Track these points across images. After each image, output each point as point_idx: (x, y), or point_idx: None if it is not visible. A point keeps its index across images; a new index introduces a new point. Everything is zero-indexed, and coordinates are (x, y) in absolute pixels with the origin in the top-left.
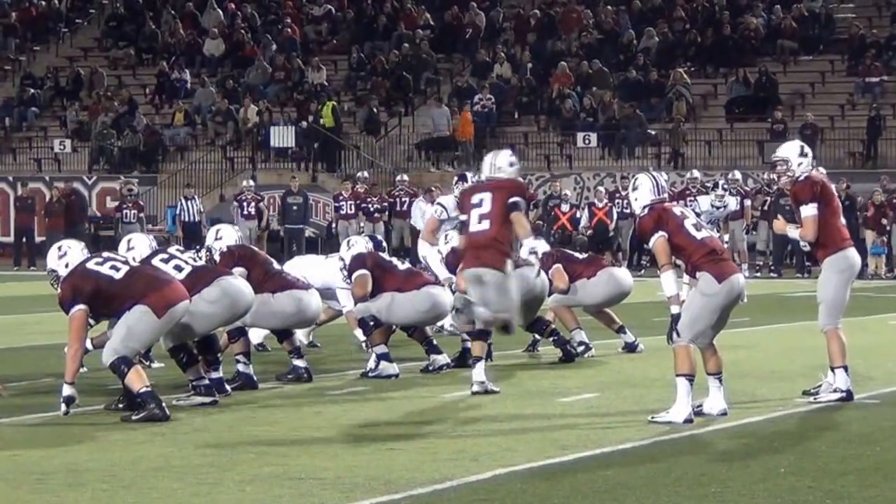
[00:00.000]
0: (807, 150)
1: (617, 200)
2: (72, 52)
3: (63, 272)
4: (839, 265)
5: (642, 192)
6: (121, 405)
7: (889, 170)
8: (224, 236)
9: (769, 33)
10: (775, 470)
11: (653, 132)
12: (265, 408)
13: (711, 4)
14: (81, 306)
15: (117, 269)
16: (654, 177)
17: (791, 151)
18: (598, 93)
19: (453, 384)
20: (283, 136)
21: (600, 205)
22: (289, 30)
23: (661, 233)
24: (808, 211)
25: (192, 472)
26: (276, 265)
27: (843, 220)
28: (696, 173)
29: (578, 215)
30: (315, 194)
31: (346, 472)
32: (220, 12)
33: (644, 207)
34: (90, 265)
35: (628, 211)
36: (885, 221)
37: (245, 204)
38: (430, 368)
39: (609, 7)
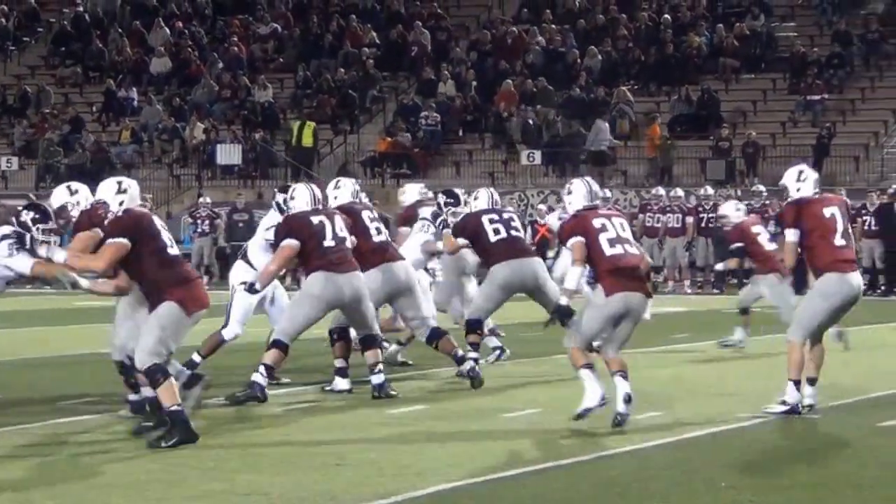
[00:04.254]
0: (806, 174)
1: (561, 216)
2: (19, 69)
3: (117, 209)
4: (821, 286)
5: (576, 196)
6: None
7: (836, 187)
8: None
9: (712, 52)
10: (716, 484)
11: (594, 150)
12: (213, 424)
13: (655, 23)
14: (126, 241)
15: (172, 245)
16: (588, 182)
17: (789, 178)
18: (542, 111)
19: (399, 399)
20: (229, 154)
21: (542, 221)
22: (235, 48)
23: (579, 237)
24: (787, 237)
25: (138, 489)
26: None
27: (841, 242)
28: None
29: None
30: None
31: (292, 488)
32: (167, 31)
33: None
34: (155, 219)
35: None
36: None
37: (200, 221)
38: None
39: (553, 26)
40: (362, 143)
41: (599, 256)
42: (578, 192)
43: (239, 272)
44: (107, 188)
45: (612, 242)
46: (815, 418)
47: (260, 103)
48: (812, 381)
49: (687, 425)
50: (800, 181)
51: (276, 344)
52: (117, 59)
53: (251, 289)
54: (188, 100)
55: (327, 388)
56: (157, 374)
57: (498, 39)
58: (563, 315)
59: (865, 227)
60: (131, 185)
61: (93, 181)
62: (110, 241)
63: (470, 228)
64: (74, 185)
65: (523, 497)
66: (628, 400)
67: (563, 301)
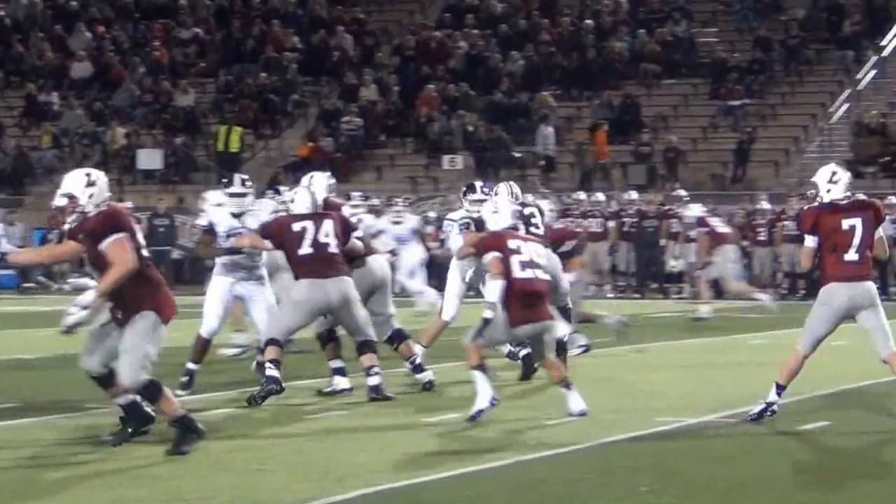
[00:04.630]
0: (839, 176)
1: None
2: None
3: (86, 202)
4: (821, 297)
5: (503, 215)
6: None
7: (756, 192)
8: None
9: (633, 57)
10: (635, 489)
11: (518, 155)
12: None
13: (577, 29)
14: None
15: (144, 246)
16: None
17: (821, 178)
18: (464, 115)
19: (322, 404)
20: (150, 159)
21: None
22: (157, 52)
23: (496, 253)
24: (805, 242)
25: (55, 493)
26: None
27: (849, 256)
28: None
29: (442, 236)
30: (182, 216)
31: (213, 494)
32: (89, 35)
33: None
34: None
35: None
36: (745, 243)
37: None
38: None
39: (475, 31)
40: (284, 147)
41: (509, 277)
42: (505, 212)
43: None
44: (75, 181)
45: (524, 266)
46: (733, 422)
47: (182, 108)
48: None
49: (606, 429)
50: (831, 182)
51: (271, 342)
52: (38, 63)
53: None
54: (109, 104)
55: (326, 390)
56: (152, 389)
57: (420, 44)
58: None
59: (786, 232)
60: (100, 176)
61: (12, 187)
62: (117, 237)
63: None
64: (94, 174)
65: (442, 501)
66: (582, 415)
67: (488, 314)
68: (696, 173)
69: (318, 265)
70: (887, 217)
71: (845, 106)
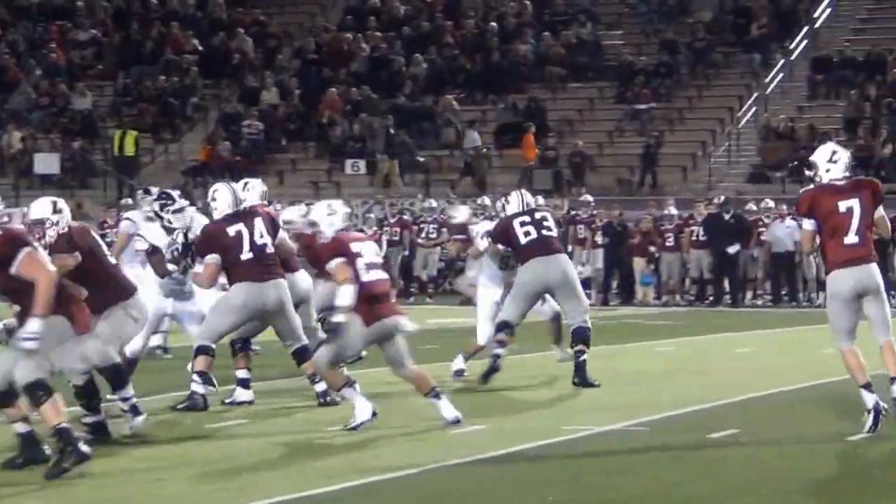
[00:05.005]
0: (839, 155)
1: (386, 228)
2: None
3: (60, 227)
4: (829, 288)
5: (339, 217)
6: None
7: (663, 197)
8: None
9: (538, 60)
10: (544, 498)
11: (421, 159)
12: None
13: (481, 31)
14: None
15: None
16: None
17: (820, 157)
18: (367, 119)
19: (220, 414)
20: (47, 163)
21: (369, 232)
22: (54, 55)
23: (341, 258)
24: (803, 226)
25: None
26: None
27: (849, 239)
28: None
29: None
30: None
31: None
32: None
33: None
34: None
35: (397, 238)
36: (652, 249)
37: None
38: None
39: (378, 34)
40: (184, 152)
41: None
42: (339, 216)
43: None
44: (43, 208)
45: (368, 267)
46: (646, 430)
47: (79, 111)
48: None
49: (513, 438)
50: (831, 161)
51: (202, 350)
52: None
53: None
54: (5, 107)
55: (228, 401)
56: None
57: (322, 47)
58: (332, 332)
59: (694, 238)
60: (64, 204)
61: None
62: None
63: (501, 234)
64: (60, 203)
65: None
66: (456, 421)
67: (339, 318)
68: (602, 178)
69: (257, 268)
70: (791, 219)
71: (753, 110)
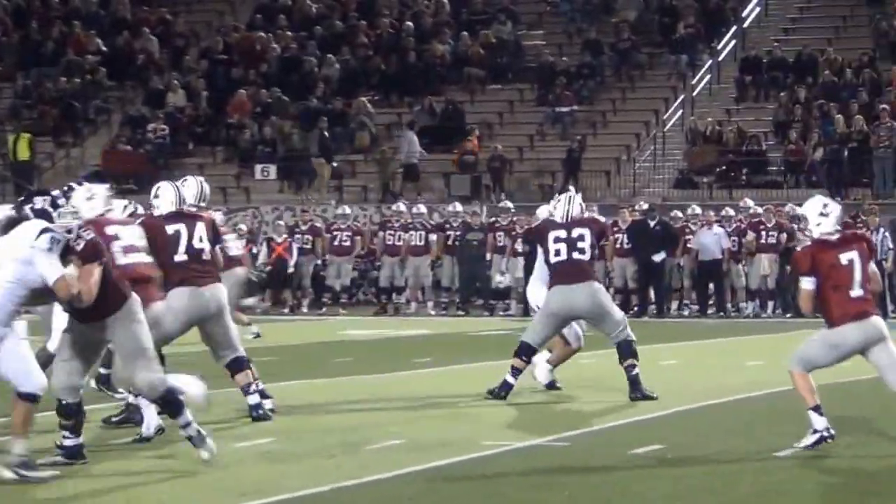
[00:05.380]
0: (830, 208)
1: (297, 235)
2: None
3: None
4: (832, 339)
5: (98, 201)
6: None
7: (586, 203)
8: None
9: (456, 61)
10: None
11: (335, 164)
12: None
13: (396, 31)
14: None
15: None
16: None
17: (811, 211)
18: (277, 122)
19: (122, 429)
20: None
21: (279, 239)
22: None
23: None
24: (802, 285)
25: None
26: None
27: (854, 292)
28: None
29: (255, 251)
30: None
31: None
32: None
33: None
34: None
35: (308, 246)
36: None
37: None
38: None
39: (289, 33)
40: (86, 156)
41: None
42: (100, 197)
43: None
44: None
45: (125, 251)
46: (566, 446)
47: None
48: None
49: (430, 453)
50: (822, 215)
51: None
52: None
53: None
54: None
55: (115, 419)
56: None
57: (231, 47)
58: None
59: (618, 246)
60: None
61: None
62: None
63: (537, 237)
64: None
65: None
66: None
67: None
68: (523, 183)
69: (193, 272)
70: (719, 226)
71: (679, 112)
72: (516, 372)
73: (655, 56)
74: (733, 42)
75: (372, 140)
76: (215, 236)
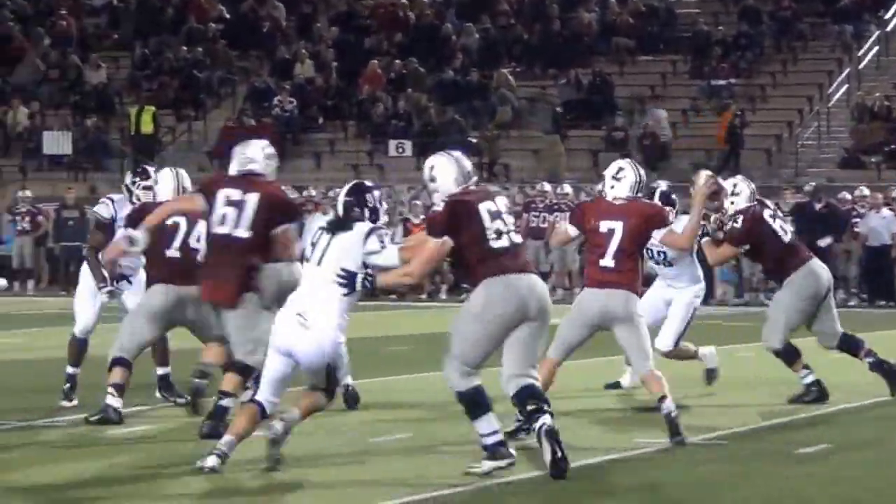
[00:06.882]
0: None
1: None
2: None
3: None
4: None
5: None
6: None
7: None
8: None
9: (604, 30)
10: None
11: (474, 140)
12: None
13: None
14: None
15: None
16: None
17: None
18: (413, 95)
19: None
20: (57, 143)
21: (416, 221)
22: (64, 22)
23: None
24: None
25: None
26: None
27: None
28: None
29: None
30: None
31: None
32: None
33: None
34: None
35: None
36: None
37: (20, 218)
38: None
39: (426, 0)
40: (209, 130)
41: None
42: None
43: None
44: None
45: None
46: (725, 444)
47: (93, 85)
48: None
49: (583, 452)
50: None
51: (119, 362)
52: None
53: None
54: (9, 81)
55: (93, 418)
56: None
57: (363, 15)
58: None
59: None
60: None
61: None
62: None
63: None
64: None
65: None
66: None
67: None
68: (679, 160)
69: (181, 271)
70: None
71: (845, 87)
72: None
73: (818, 26)
74: None
75: (514, 115)
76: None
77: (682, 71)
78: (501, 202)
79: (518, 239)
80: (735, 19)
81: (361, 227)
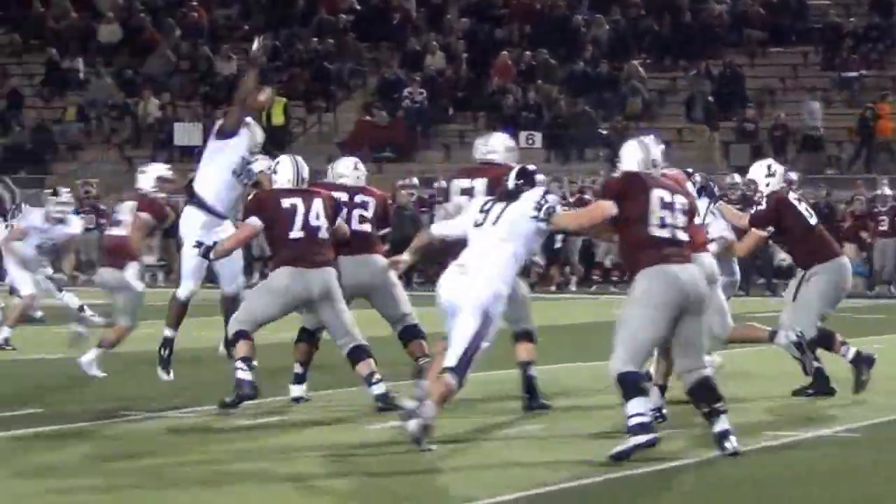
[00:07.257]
0: (775, 168)
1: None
2: None
3: None
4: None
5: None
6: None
7: (877, 176)
8: None
9: (735, 21)
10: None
11: (604, 132)
12: None
13: None
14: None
15: None
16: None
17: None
18: (543, 87)
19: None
20: (188, 134)
21: None
22: (195, 14)
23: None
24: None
25: None
26: None
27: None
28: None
29: None
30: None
31: None
32: None
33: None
34: None
35: None
36: (864, 234)
37: None
38: None
39: None
40: (339, 121)
41: None
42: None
43: (190, 220)
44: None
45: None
46: (857, 437)
47: (223, 77)
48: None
49: (699, 448)
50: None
51: (241, 335)
52: (60, 25)
53: (205, 254)
54: (141, 72)
55: (228, 400)
56: None
57: (493, 6)
58: None
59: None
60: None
61: (33, 164)
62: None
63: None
64: None
65: None
66: None
67: None
68: (809, 153)
69: (305, 251)
70: None
71: None
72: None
73: None
74: None
75: (644, 106)
76: (334, 213)
77: (813, 62)
78: (680, 200)
79: (684, 237)
80: (866, 10)
81: (531, 193)
